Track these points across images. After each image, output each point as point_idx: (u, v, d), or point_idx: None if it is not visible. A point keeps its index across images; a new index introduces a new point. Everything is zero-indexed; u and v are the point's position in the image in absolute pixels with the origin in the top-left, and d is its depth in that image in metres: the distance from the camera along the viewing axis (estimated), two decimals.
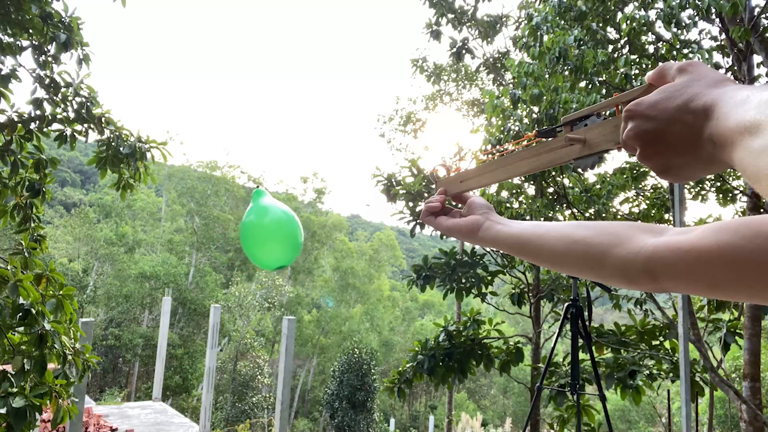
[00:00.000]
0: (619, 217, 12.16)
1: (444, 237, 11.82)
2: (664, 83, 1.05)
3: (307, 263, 55.28)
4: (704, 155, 0.96)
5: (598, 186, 12.32)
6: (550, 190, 11.98)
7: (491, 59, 17.72)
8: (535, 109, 10.19)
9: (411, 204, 12.03)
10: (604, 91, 9.63)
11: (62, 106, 6.41)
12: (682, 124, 0.96)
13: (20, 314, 4.85)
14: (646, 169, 12.51)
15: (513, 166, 1.44)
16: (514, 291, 13.51)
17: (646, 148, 1.03)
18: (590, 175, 13.27)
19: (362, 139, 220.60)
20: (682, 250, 1.10)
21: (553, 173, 11.13)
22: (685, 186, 11.75)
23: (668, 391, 15.07)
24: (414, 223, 11.91)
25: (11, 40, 6.08)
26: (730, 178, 12.13)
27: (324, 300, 53.93)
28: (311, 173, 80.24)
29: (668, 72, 1.05)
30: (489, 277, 12.37)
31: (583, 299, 7.89)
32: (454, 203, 1.66)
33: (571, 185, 12.20)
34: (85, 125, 6.55)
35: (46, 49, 6.24)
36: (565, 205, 11.70)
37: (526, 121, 10.46)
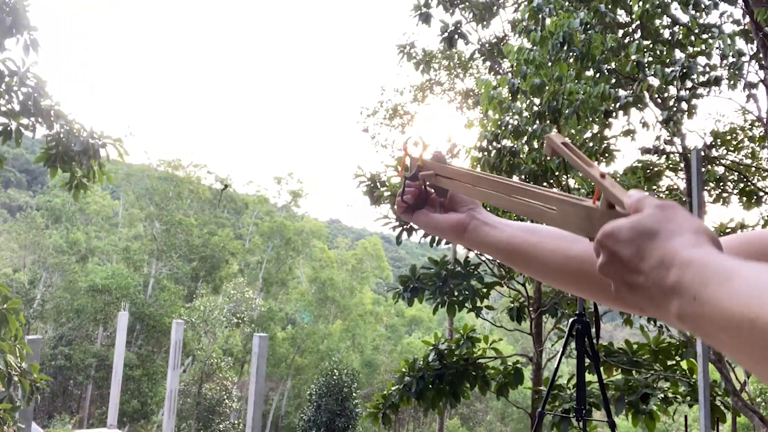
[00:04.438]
0: None
1: (434, 244, 11.80)
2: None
3: (280, 274, 55.27)
4: (669, 315, 0.92)
5: None
6: (554, 191, 11.95)
7: (487, 45, 17.70)
8: (537, 100, 10.17)
9: None
10: (613, 80, 9.62)
11: (6, 97, 6.35)
12: (648, 280, 0.94)
13: None
14: (661, 169, 12.53)
15: (496, 195, 1.37)
16: (512, 305, 13.45)
17: (618, 289, 1.01)
18: None
19: (343, 134, 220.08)
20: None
21: (557, 173, 11.12)
22: (705, 188, 11.76)
23: (685, 417, 15.10)
24: (401, 229, 11.86)
25: None
26: (755, 179, 12.15)
27: (300, 315, 53.89)
28: (286, 173, 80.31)
29: (645, 203, 1.01)
30: (484, 290, 12.34)
31: (590, 314, 7.87)
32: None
33: (577, 186, 12.19)
34: (32, 119, 6.49)
35: None
36: None
37: (526, 114, 10.44)
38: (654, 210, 0.97)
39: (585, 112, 9.27)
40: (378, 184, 12.43)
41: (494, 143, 10.85)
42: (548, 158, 10.23)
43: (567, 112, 9.31)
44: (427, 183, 1.55)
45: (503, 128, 10.44)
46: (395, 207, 1.58)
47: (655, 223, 0.96)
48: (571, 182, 12.02)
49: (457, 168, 1.49)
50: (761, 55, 9.05)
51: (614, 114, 10.23)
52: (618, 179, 12.06)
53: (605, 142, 11.71)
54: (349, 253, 61.61)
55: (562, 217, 1.20)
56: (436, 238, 11.34)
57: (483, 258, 12.65)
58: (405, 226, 11.79)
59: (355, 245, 65.54)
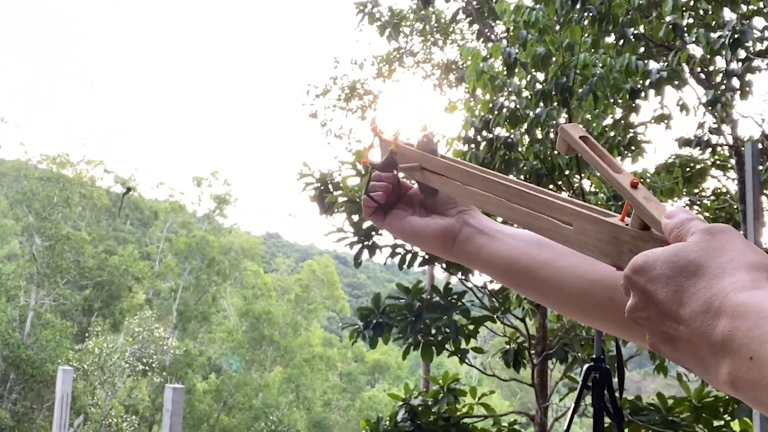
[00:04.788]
0: None
1: (405, 266, 11.75)
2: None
3: (201, 305, 55.19)
4: (719, 379, 0.91)
5: None
6: (564, 195, 11.96)
7: (475, 3, 17.75)
8: (540, 76, 10.18)
9: (356, 218, 11.89)
10: (642, 49, 9.64)
11: None
12: (690, 332, 0.92)
13: None
14: (705, 166, 12.56)
15: (493, 200, 1.39)
16: (508, 346, 13.42)
17: (654, 341, 1.00)
18: None
19: (284, 121, 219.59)
20: None
21: (567, 172, 11.11)
22: (764, 191, 11.79)
23: None
24: (360, 246, 11.80)
25: None
26: None
27: (226, 360, 53.84)
28: (208, 172, 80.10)
29: (688, 227, 1.00)
30: (471, 327, 12.31)
31: (612, 358, 7.87)
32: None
33: (594, 189, 12.20)
34: None
35: None
36: None
37: (526, 94, 10.44)
38: (700, 237, 0.95)
39: (604, 91, 9.29)
40: (330, 186, 12.35)
41: (484, 132, 10.84)
42: (556, 152, 10.23)
43: (581, 91, 9.32)
44: (403, 176, 1.53)
45: (496, 112, 10.42)
46: (363, 207, 1.52)
47: (701, 255, 0.93)
48: (586, 184, 12.03)
49: (447, 161, 1.47)
50: None
51: (643, 94, 10.22)
52: (648, 180, 12.09)
53: (631, 130, 11.71)
54: (291, 278, 61.84)
55: (580, 236, 1.21)
56: (407, 258, 11.32)
57: (470, 285, 12.63)
58: (366, 243, 11.73)
59: (300, 267, 65.82)
